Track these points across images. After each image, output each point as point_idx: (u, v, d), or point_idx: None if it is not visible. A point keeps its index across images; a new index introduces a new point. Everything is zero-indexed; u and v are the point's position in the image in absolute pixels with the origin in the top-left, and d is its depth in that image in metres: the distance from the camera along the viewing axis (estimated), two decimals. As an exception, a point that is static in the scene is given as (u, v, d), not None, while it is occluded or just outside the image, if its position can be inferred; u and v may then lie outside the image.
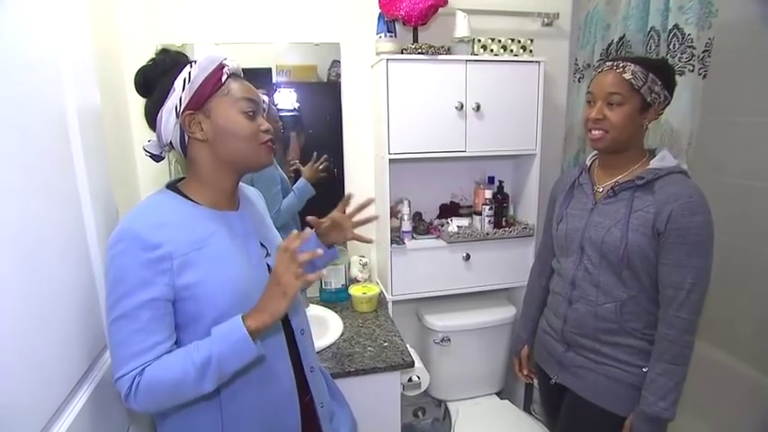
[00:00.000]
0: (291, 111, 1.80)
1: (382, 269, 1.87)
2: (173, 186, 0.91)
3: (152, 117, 0.87)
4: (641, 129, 1.16)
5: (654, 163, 1.15)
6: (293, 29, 1.75)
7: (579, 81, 1.89)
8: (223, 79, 0.86)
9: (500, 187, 1.90)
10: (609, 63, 1.16)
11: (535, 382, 1.51)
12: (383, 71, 1.60)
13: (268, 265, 0.96)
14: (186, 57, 0.89)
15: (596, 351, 1.21)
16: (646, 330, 1.15)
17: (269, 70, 1.75)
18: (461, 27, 1.69)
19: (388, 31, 1.68)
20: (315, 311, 1.73)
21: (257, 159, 0.91)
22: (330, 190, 1.82)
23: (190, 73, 0.84)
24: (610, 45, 1.67)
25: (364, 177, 1.92)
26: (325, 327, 1.63)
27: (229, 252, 0.88)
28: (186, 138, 0.87)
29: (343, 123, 1.86)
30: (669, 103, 1.16)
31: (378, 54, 1.68)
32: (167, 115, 0.84)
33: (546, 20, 1.93)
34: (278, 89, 1.77)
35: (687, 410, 1.42)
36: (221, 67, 0.86)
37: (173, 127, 0.85)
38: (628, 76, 1.11)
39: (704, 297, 1.08)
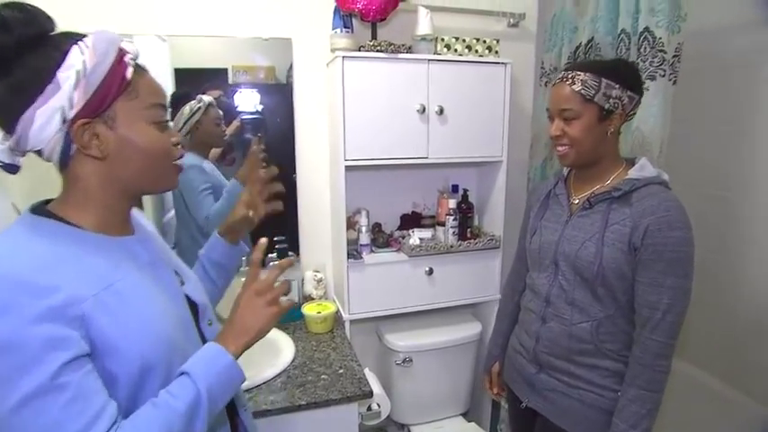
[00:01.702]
0: (251, 113, 1.68)
1: (338, 285, 1.72)
2: (41, 209, 0.67)
3: (6, 112, 0.61)
4: (607, 137, 1.09)
5: (632, 173, 1.08)
6: (240, 21, 1.59)
7: (545, 85, 1.82)
8: (128, 75, 0.64)
9: (464, 196, 1.80)
10: (560, 74, 1.11)
11: (503, 401, 1.42)
12: (339, 70, 1.47)
13: (187, 297, 0.79)
14: (53, 22, 0.64)
15: (570, 373, 1.14)
16: (623, 352, 1.09)
17: (225, 71, 1.64)
18: (423, 24, 1.58)
19: (345, 27, 1.55)
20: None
21: (165, 183, 0.74)
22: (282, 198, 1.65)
23: (84, 62, 0.61)
24: (578, 48, 1.61)
25: (319, 185, 1.78)
26: (275, 351, 1.47)
27: (143, 286, 0.69)
28: (71, 150, 0.64)
29: (296, 127, 1.72)
30: (639, 102, 1.09)
31: (333, 51, 1.54)
32: (45, 120, 0.60)
33: (512, 20, 1.85)
34: (236, 90, 1.65)
35: (664, 428, 1.36)
36: (122, 54, 0.65)
37: (52, 135, 0.61)
38: (577, 87, 1.05)
39: (682, 319, 1.02)
